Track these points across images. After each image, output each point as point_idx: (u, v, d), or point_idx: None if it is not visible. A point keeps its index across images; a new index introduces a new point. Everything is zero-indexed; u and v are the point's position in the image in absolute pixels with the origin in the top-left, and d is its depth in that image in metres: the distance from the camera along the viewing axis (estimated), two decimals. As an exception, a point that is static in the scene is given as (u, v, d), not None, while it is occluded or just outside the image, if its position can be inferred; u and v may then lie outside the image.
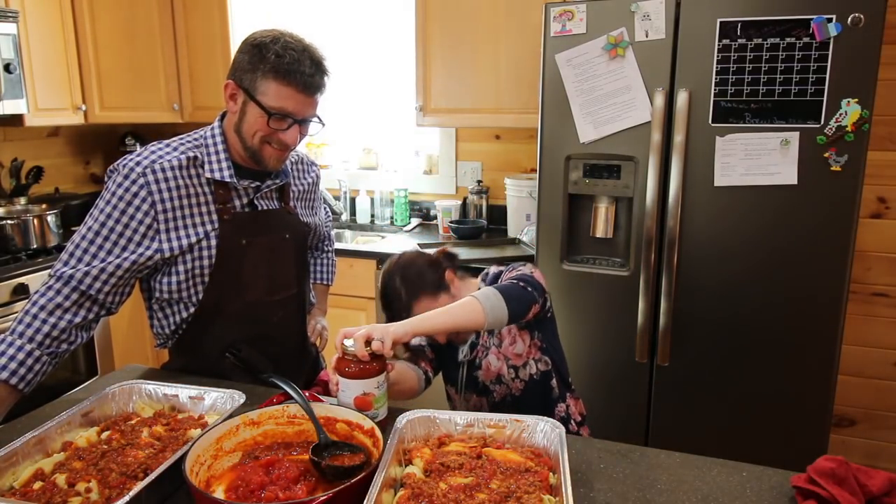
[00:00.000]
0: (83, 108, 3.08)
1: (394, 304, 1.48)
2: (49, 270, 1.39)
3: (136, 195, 1.34)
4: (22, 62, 2.69)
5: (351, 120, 3.58)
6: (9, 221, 2.69)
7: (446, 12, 2.82)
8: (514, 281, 1.38)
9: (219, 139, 1.44)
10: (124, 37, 3.16)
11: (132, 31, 3.18)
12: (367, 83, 3.50)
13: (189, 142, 1.45)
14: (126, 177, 1.35)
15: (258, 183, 1.47)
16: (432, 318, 1.26)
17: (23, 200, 3.02)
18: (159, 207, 1.36)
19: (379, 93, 3.49)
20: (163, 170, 1.36)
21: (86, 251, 1.34)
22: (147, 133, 3.62)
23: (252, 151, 1.41)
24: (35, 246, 2.72)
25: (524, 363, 1.49)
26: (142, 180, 1.34)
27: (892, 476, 1.00)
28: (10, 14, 2.61)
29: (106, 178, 1.39)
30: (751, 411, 2.18)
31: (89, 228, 1.35)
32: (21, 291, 2.51)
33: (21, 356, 1.27)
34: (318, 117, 1.43)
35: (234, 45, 2.85)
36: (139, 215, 1.35)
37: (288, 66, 1.32)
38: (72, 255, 1.35)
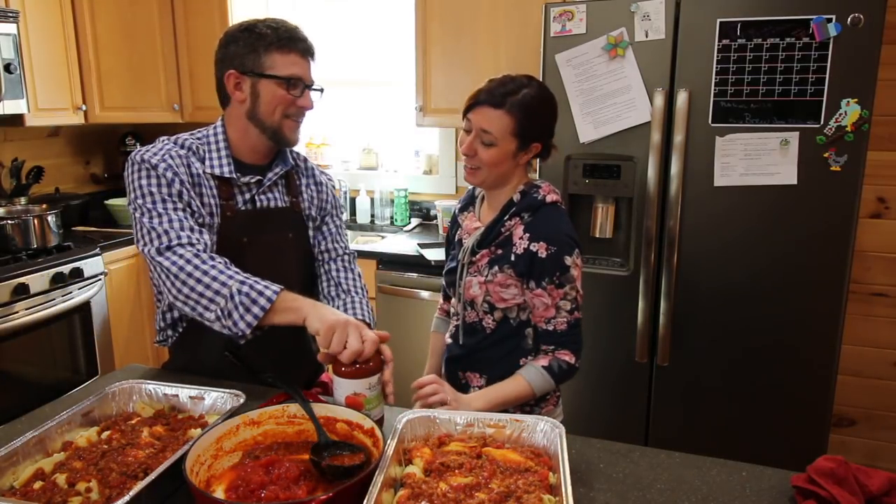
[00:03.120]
0: (83, 108, 3.08)
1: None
2: (145, 251, 1.36)
3: (159, 167, 1.37)
4: (22, 62, 2.69)
5: (351, 120, 3.59)
6: (9, 221, 2.69)
7: (446, 12, 2.82)
8: (568, 328, 1.42)
9: (220, 136, 1.46)
10: (124, 37, 3.16)
11: (132, 31, 3.18)
12: (368, 83, 3.50)
13: (194, 138, 1.47)
14: (145, 160, 1.38)
15: (260, 177, 1.48)
16: (492, 400, 1.38)
17: (23, 200, 3.02)
18: (184, 178, 1.39)
19: (379, 93, 3.49)
20: (172, 157, 1.40)
21: (159, 214, 1.35)
22: (147, 133, 3.62)
23: (273, 130, 1.44)
24: (35, 246, 2.72)
25: (504, 308, 1.46)
26: (159, 159, 1.38)
27: (892, 476, 1.00)
28: (10, 14, 2.62)
29: (127, 170, 1.41)
30: (750, 411, 2.18)
31: (142, 204, 1.36)
32: (21, 291, 2.50)
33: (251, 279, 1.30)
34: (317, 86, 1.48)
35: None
36: (173, 176, 1.38)
37: (287, 35, 1.40)
38: (150, 230, 1.34)
